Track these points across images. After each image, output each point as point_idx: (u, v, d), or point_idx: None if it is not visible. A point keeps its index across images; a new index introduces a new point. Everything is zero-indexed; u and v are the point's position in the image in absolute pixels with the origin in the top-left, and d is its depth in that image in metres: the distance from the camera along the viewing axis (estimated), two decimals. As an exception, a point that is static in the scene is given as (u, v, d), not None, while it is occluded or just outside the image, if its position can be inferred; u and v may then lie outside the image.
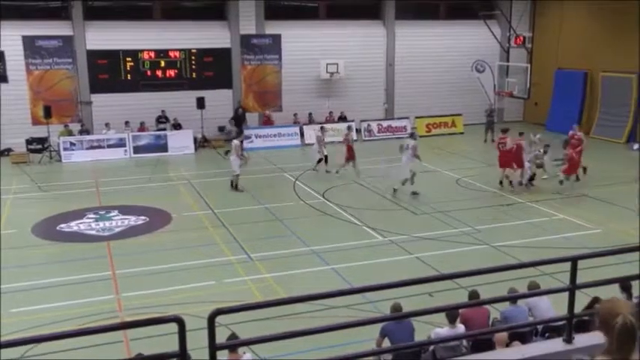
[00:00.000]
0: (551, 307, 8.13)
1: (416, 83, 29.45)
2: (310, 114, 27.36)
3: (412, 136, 19.03)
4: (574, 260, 4.87)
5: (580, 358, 3.13)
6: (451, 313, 7.69)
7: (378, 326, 7.64)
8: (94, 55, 25.28)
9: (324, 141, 21.24)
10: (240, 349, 7.38)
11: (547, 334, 7.58)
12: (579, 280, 5.10)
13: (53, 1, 24.63)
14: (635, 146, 22.13)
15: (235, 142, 19.19)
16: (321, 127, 22.16)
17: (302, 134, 26.39)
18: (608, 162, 22.32)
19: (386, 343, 7.68)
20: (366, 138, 27.17)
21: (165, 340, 4.91)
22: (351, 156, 19.93)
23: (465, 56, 29.49)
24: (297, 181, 20.04)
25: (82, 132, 24.83)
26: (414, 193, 17.84)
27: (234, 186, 18.87)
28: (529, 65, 27.06)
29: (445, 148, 25.35)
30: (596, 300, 7.92)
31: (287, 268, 12.88)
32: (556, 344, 4.69)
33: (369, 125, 27.62)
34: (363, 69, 28.65)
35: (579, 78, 27.70)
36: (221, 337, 7.12)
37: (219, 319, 3.96)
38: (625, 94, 25.64)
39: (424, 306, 7.42)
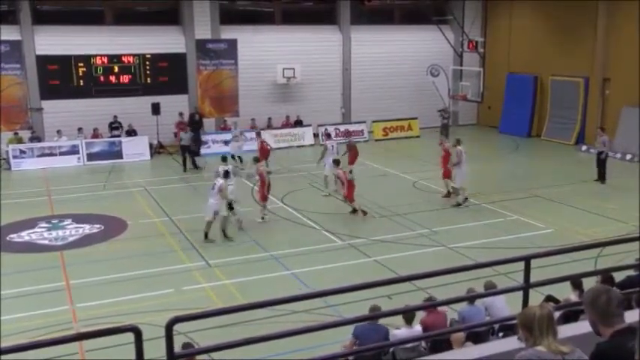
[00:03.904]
0: (505, 306, 8.30)
1: (372, 87, 29.68)
2: (270, 119, 27.28)
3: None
4: (527, 260, 5.01)
5: (522, 349, 3.45)
6: (408, 314, 7.78)
7: (340, 330, 7.64)
8: (44, 61, 24.64)
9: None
10: (201, 357, 7.29)
11: (502, 333, 7.73)
12: (533, 279, 5.25)
13: (-1, 4, 23.93)
14: None
15: (221, 182, 14.66)
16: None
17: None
18: (558, 163, 22.99)
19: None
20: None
21: (123, 350, 4.83)
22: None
23: (420, 60, 29.90)
24: (255, 187, 19.93)
25: (32, 139, 24.17)
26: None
27: (224, 232, 14.92)
28: (482, 69, 27.71)
29: (402, 151, 25.63)
30: (549, 298, 8.14)
31: (246, 273, 12.80)
32: (511, 342, 4.80)
33: (326, 129, 27.72)
34: (319, 74, 28.73)
35: (530, 82, 28.41)
36: (180, 345, 7.04)
37: (178, 327, 3.93)
38: (573, 98, 26.45)
39: (384, 308, 7.51)
